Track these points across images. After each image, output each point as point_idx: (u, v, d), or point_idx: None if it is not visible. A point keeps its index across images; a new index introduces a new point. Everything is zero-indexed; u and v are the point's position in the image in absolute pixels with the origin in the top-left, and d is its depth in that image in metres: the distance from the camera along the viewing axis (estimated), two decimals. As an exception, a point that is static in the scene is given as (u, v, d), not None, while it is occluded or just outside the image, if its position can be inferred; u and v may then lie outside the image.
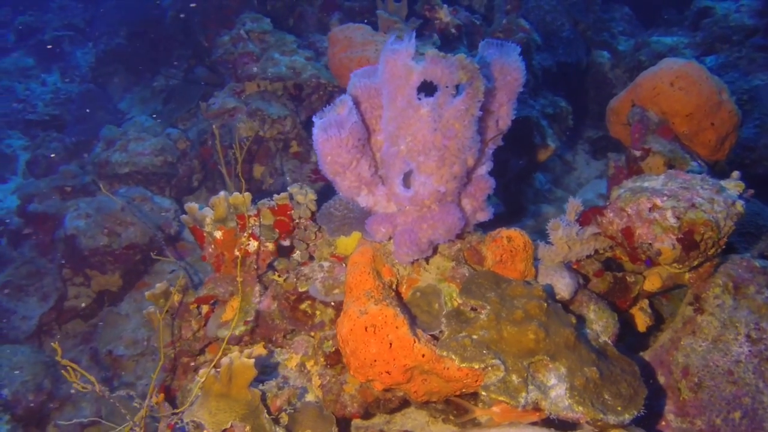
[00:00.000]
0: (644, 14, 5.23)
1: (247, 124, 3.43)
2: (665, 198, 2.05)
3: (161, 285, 2.30)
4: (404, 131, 1.93)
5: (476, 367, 1.73)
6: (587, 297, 2.16)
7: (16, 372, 2.95)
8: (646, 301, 2.51)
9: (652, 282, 2.39)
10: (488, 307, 1.89)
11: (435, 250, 2.16)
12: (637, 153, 2.95)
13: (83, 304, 3.60)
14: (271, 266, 2.43)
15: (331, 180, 2.07)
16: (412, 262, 2.11)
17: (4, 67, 5.40)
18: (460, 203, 2.08)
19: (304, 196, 2.32)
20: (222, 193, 2.24)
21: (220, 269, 2.37)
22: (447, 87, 1.84)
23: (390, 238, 2.08)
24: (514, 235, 2.08)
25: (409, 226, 2.00)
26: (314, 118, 1.99)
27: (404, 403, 2.23)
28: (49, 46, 5.33)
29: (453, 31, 3.70)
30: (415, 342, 1.87)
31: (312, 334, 2.29)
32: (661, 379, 2.23)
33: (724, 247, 2.09)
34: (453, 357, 1.76)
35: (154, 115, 4.35)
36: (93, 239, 3.30)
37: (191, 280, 3.00)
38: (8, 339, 3.33)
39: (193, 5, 4.20)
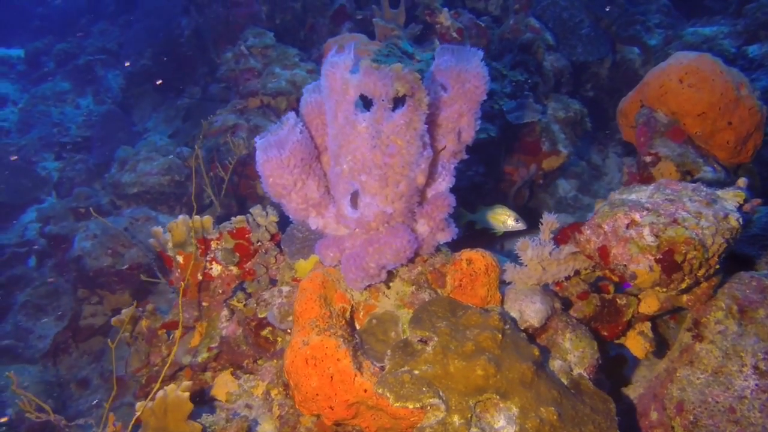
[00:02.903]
0: (686, 4, 4.83)
1: (237, 143, 3.40)
2: (645, 213, 1.82)
3: (126, 311, 2.28)
4: (345, 149, 1.81)
5: (410, 406, 1.58)
6: (564, 324, 1.95)
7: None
8: (648, 324, 2.26)
9: (649, 304, 2.14)
10: (436, 339, 1.73)
11: (396, 274, 2.02)
12: (648, 158, 2.68)
13: (99, 323, 3.67)
14: (240, 289, 2.36)
15: (277, 202, 1.97)
16: (368, 287, 1.97)
17: (41, 93, 5.67)
18: (416, 224, 1.93)
19: (265, 218, 2.23)
20: (180, 217, 2.19)
21: (186, 294, 2.32)
22: (383, 100, 1.70)
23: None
24: (475, 258, 1.91)
25: (356, 249, 1.87)
26: (256, 138, 1.90)
27: (369, 437, 2.09)
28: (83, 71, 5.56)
29: (454, 35, 3.52)
30: (356, 376, 1.74)
31: (275, 360, 2.20)
32: (654, 415, 1.99)
33: (717, 266, 1.83)
34: (388, 395, 1.61)
35: (174, 134, 4.42)
36: (97, 260, 3.36)
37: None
38: (24, 358, 3.44)
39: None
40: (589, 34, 3.97)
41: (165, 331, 2.36)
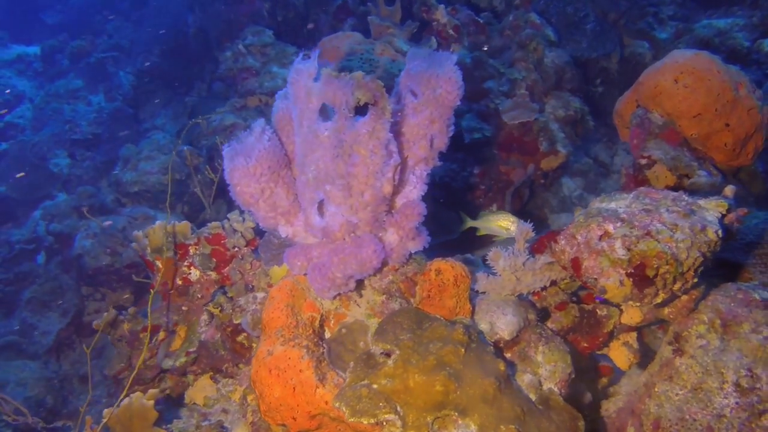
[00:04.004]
0: (703, -6, 4.64)
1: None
2: (619, 224, 1.76)
3: (107, 314, 2.30)
4: (309, 158, 1.79)
5: (365, 422, 1.56)
6: (537, 336, 1.90)
7: (20, 388, 3.10)
8: (633, 335, 2.20)
9: (631, 315, 2.08)
10: (398, 352, 1.70)
11: (367, 283, 1.99)
12: (642, 161, 2.60)
13: (111, 317, 3.73)
14: (222, 293, 2.37)
15: (246, 211, 1.96)
16: (338, 296, 1.95)
17: (55, 91, 5.77)
18: (385, 233, 1.90)
19: (242, 223, 2.22)
20: (158, 223, 2.20)
21: (166, 298, 2.34)
22: (344, 109, 1.67)
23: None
24: (444, 268, 1.86)
25: (323, 259, 1.85)
26: (224, 146, 1.89)
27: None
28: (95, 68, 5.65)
29: (451, 32, 3.44)
30: (317, 387, 1.73)
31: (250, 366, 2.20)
32: (630, 431, 1.93)
33: (695, 280, 1.75)
34: (344, 409, 1.60)
35: (179, 131, 4.45)
36: (96, 259, 3.42)
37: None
38: (27, 354, 3.53)
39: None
40: (594, 28, 3.85)
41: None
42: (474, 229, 2.85)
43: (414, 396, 1.61)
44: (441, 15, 3.43)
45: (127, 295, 3.62)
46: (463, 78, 1.88)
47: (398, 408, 1.59)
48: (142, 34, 5.57)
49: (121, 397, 1.85)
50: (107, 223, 3.38)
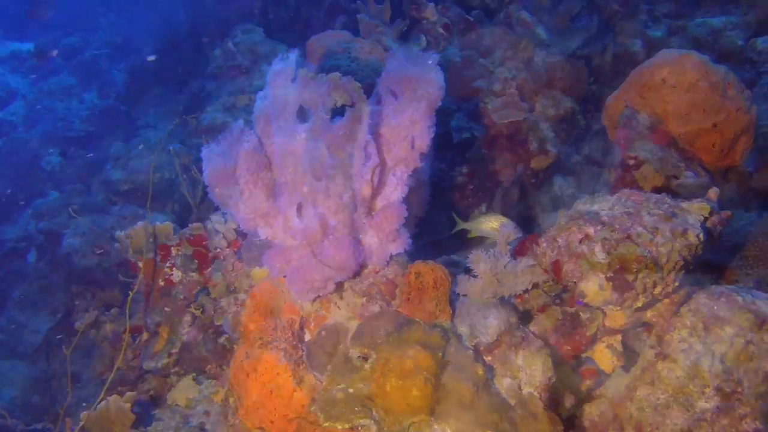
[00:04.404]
0: (698, -9, 4.59)
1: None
2: (599, 227, 1.74)
3: (88, 315, 2.29)
4: (287, 160, 1.77)
5: (339, 427, 1.55)
6: (518, 339, 1.88)
7: (8, 388, 3.09)
8: (617, 338, 2.17)
9: (615, 318, 2.06)
10: (375, 356, 1.68)
11: (347, 285, 1.98)
12: (630, 162, 2.58)
13: (91, 319, 3.71)
14: (206, 294, 2.35)
15: (225, 212, 1.95)
16: (318, 298, 1.94)
17: (47, 88, 5.76)
18: (365, 235, 1.88)
19: (224, 224, 2.21)
20: (139, 224, 2.19)
21: (148, 299, 2.33)
22: (320, 111, 1.66)
23: (288, 274, 1.92)
24: (424, 270, 1.85)
25: (302, 261, 1.83)
26: (202, 147, 1.88)
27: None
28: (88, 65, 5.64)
29: (440, 30, 3.42)
30: (294, 391, 1.72)
31: (233, 368, 2.19)
32: (612, 436, 1.91)
33: (676, 284, 1.74)
34: (319, 414, 1.59)
35: (170, 129, 4.43)
36: (84, 258, 3.40)
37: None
38: (16, 353, 3.52)
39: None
40: (587, 26, 3.83)
41: (130, 335, 2.37)
42: (464, 230, 2.84)
43: (390, 400, 1.60)
44: (431, 13, 3.41)
45: (116, 294, 3.60)
46: (446, 78, 1.87)
47: (374, 413, 1.58)
48: (135, 32, 5.54)
49: (99, 398, 1.84)
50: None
